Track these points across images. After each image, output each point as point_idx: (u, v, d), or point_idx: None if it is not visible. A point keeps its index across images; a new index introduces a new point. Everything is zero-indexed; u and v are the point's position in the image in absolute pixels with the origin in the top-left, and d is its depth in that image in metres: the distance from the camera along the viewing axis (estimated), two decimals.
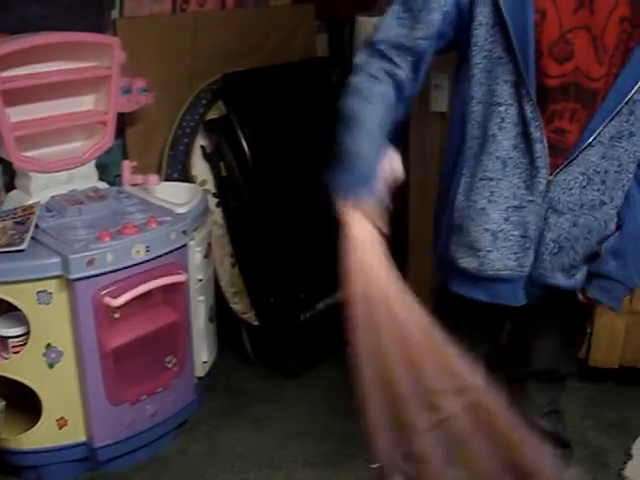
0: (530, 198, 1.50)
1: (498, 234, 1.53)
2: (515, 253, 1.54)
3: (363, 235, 1.38)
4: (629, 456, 2.39)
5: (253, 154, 2.66)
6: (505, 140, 1.47)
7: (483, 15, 1.42)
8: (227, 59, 2.79)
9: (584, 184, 1.48)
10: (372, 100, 1.43)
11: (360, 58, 1.48)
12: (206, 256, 2.41)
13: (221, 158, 2.71)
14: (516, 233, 1.53)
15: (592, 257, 1.58)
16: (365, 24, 3.11)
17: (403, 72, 1.45)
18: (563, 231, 1.52)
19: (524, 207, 1.51)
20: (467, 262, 1.58)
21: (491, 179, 1.51)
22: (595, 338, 2.66)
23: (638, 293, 1.71)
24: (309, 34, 3.28)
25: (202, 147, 2.74)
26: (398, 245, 2.90)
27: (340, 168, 1.41)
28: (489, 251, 1.55)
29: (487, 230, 1.54)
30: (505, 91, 1.44)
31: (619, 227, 1.58)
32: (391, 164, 1.41)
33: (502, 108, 1.46)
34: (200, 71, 2.77)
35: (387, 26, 1.46)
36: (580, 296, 1.63)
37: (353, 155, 1.41)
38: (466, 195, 1.55)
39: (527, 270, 1.57)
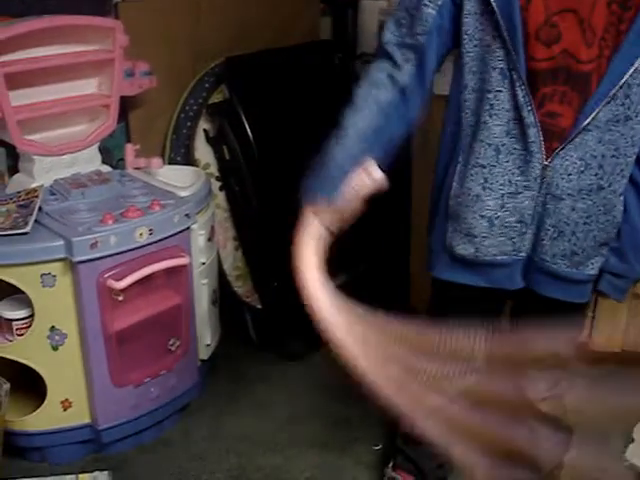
0: (525, 184, 1.50)
1: (494, 221, 1.54)
2: (512, 239, 1.55)
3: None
4: (631, 439, 2.40)
5: (256, 137, 2.66)
6: (496, 127, 1.48)
7: (471, 4, 1.44)
8: (230, 42, 2.78)
9: (582, 169, 1.48)
10: (363, 107, 1.51)
11: (371, 64, 1.56)
12: (209, 239, 2.41)
13: (224, 142, 2.70)
14: (512, 219, 1.53)
15: (598, 247, 1.58)
16: (369, 7, 3.11)
17: (406, 76, 1.52)
18: (563, 216, 1.52)
19: (520, 193, 1.51)
20: (463, 249, 1.59)
21: (484, 166, 1.52)
22: (598, 321, 2.66)
23: None
24: (313, 17, 3.27)
25: (205, 131, 2.73)
26: (401, 227, 2.92)
27: (313, 172, 1.50)
28: (485, 237, 1.56)
29: (483, 217, 1.54)
30: (494, 78, 1.45)
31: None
32: (368, 174, 1.48)
33: (491, 95, 1.47)
34: (203, 54, 2.76)
35: (390, 28, 1.54)
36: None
37: (325, 161, 1.50)
38: (460, 182, 1.57)
39: (524, 253, 1.58)
